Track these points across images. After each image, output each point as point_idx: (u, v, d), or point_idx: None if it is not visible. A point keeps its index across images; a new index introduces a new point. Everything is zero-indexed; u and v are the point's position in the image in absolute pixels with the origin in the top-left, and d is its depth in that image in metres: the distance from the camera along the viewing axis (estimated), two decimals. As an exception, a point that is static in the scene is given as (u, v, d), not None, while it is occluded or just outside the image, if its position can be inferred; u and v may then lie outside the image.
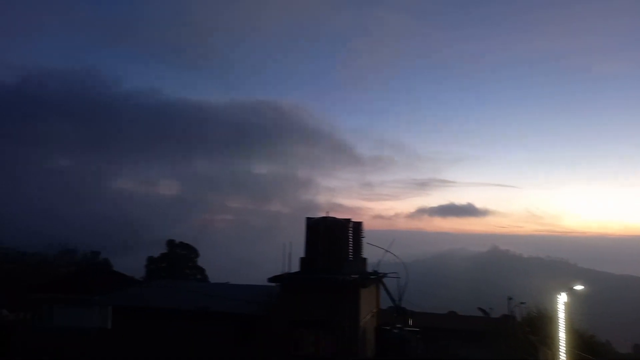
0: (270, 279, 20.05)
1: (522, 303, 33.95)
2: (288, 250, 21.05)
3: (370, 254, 23.39)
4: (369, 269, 22.97)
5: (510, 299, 30.56)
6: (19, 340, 22.72)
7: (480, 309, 38.87)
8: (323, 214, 21.81)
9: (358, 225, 22.34)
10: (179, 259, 62.89)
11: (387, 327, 21.28)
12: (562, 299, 24.95)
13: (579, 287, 27.55)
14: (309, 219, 21.40)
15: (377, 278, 22.63)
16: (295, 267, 20.98)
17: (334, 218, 21.51)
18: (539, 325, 32.34)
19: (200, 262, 65.30)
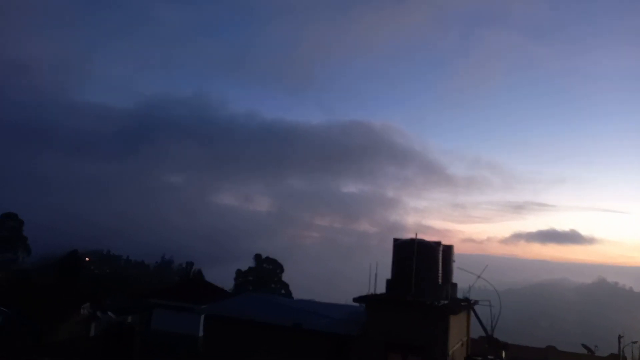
0: (356, 299, 19.92)
1: (634, 342, 30.44)
2: (374, 271, 20.82)
3: (461, 279, 22.38)
4: (459, 295, 21.96)
5: (620, 337, 27.47)
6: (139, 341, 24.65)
7: (585, 346, 35.39)
8: (411, 236, 21.34)
9: (448, 249, 21.54)
10: (265, 273, 64.97)
11: (479, 358, 20.10)
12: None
13: None
14: (396, 240, 21.03)
15: (468, 305, 21.55)
16: (381, 289, 20.67)
17: (422, 240, 20.92)
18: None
19: (285, 277, 66.86)
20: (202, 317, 25.82)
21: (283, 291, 62.68)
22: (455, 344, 19.86)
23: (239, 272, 63.99)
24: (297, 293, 60.42)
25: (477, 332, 23.73)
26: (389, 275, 20.78)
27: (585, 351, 35.28)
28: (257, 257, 64.88)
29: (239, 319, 22.57)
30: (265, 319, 22.50)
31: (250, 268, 64.69)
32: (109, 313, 40.80)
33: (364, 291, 20.41)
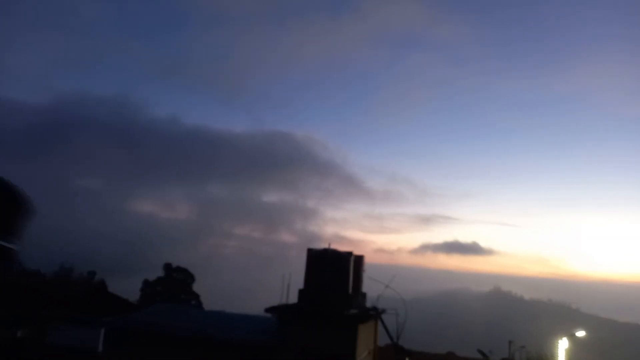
0: (268, 309, 19.89)
1: (522, 347, 33.34)
2: (287, 281, 20.94)
3: (371, 288, 23.23)
4: (368, 304, 22.75)
5: (510, 342, 30.02)
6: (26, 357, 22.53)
7: (480, 352, 38.11)
8: (325, 246, 21.80)
9: (359, 259, 22.27)
10: (175, 284, 62.43)
11: (384, 365, 20.91)
12: (563, 344, 24.51)
13: (580, 333, 27.18)
14: (310, 250, 21.37)
15: (376, 314, 22.38)
16: (295, 299, 20.83)
17: (335, 250, 21.47)
18: (539, 371, 31.71)
19: (196, 287, 64.74)
20: (102, 331, 24.18)
21: (194, 302, 60.57)
22: (363, 352, 20.52)
23: (146, 282, 60.82)
24: (211, 304, 58.76)
25: (384, 339, 24.69)
26: (300, 287, 21.01)
27: (480, 356, 37.95)
28: (167, 266, 62.12)
29: (145, 332, 21.51)
30: (173, 331, 21.67)
31: (159, 278, 61.77)
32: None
33: (279, 302, 20.45)
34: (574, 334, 26.62)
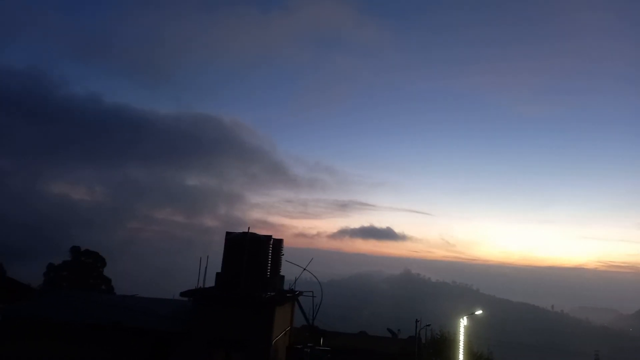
0: (183, 294, 19.49)
1: (427, 325, 35.66)
2: (205, 265, 20.60)
3: (289, 271, 23.55)
4: (286, 286, 23.08)
5: (417, 321, 32.00)
6: None
7: (389, 330, 40.25)
8: (244, 230, 21.67)
9: (278, 243, 22.44)
10: (84, 268, 58.86)
11: (299, 346, 21.42)
12: (463, 322, 26.63)
13: (479, 312, 29.68)
14: (228, 234, 21.16)
15: (293, 296, 22.78)
16: (212, 282, 20.59)
17: (253, 234, 21.43)
18: (441, 348, 34.19)
19: (108, 272, 61.58)
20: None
21: (104, 287, 57.50)
22: (279, 333, 20.85)
23: (50, 266, 56.61)
24: (124, 289, 56.09)
25: (300, 321, 25.24)
26: (218, 271, 20.79)
27: (390, 335, 40.07)
28: (74, 249, 58.21)
29: (47, 320, 20.12)
30: (78, 318, 20.50)
31: (65, 262, 57.76)
32: None
33: (195, 285, 20.07)
34: (473, 313, 29.03)
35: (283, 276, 23.18)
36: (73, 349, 19.14)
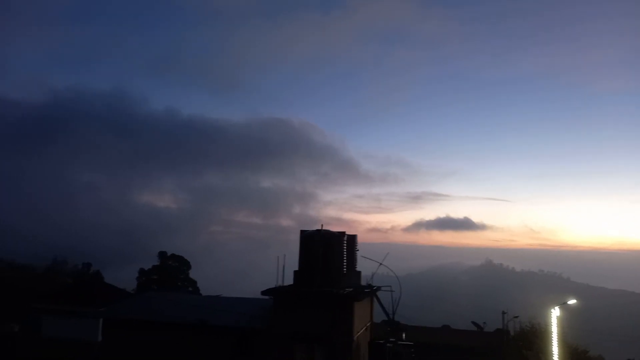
0: (264, 292, 19.95)
1: (515, 317, 33.89)
2: (282, 263, 20.97)
3: (365, 267, 23.35)
4: (363, 282, 22.90)
5: (504, 313, 30.50)
6: (20, 350, 22.53)
7: (474, 324, 38.77)
8: (318, 227, 21.77)
9: (352, 238, 22.32)
10: (171, 271, 62.43)
11: (381, 342, 21.17)
12: (555, 313, 24.91)
13: (572, 302, 27.67)
14: (303, 232, 21.37)
15: (371, 291, 22.56)
16: (290, 280, 20.91)
17: (327, 231, 21.47)
18: (532, 340, 32.34)
19: (193, 274, 64.84)
20: (98, 321, 24.19)
21: (190, 289, 60.71)
22: (360, 329, 20.73)
23: (141, 271, 60.76)
24: (208, 290, 58.91)
25: (379, 316, 24.95)
26: (294, 269, 21.07)
27: (475, 328, 38.60)
28: (162, 254, 62.04)
29: (141, 320, 21.54)
30: (168, 318, 21.71)
31: (154, 266, 61.71)
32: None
33: (274, 284, 20.49)
34: (566, 302, 27.11)
35: (360, 272, 23.02)
36: (163, 345, 20.31)
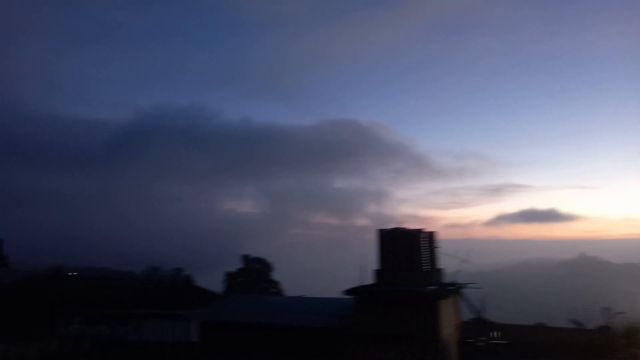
0: (346, 292, 20.03)
1: (620, 313, 31.18)
2: (362, 263, 20.98)
3: (447, 264, 22.66)
4: (446, 279, 22.24)
5: (607, 309, 28.12)
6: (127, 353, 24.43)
7: (574, 321, 36.16)
8: (396, 225, 21.52)
9: (432, 235, 21.77)
10: (254, 274, 64.71)
11: (471, 340, 20.41)
12: (667, 308, 22.54)
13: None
14: (380, 231, 21.21)
15: (456, 289, 21.85)
16: (370, 280, 20.83)
17: (405, 228, 21.14)
18: (641, 338, 29.49)
19: (275, 276, 66.70)
20: (194, 323, 25.60)
21: (274, 290, 62.54)
22: (447, 328, 20.13)
23: (228, 274, 63.59)
24: (289, 291, 60.40)
25: (467, 315, 24.07)
26: (373, 268, 20.95)
27: (574, 325, 36.03)
28: (245, 257, 64.54)
29: (231, 322, 22.53)
30: (256, 319, 22.49)
31: (239, 269, 64.33)
32: (97, 326, 40.06)
33: (355, 284, 20.54)
34: (679, 296, 24.40)
35: (442, 269, 22.40)
36: (253, 345, 21.07)
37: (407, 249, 20.26)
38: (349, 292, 20.00)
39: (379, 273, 20.61)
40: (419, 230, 21.02)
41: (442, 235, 22.79)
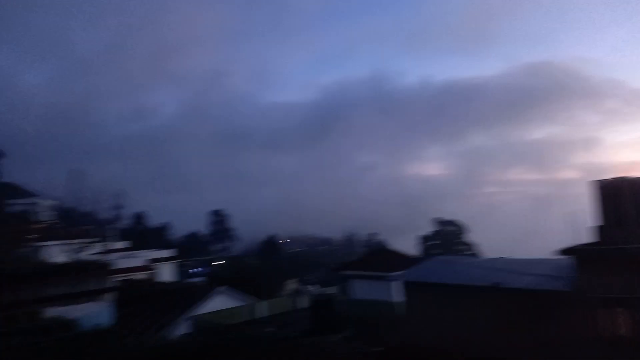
0: (562, 251, 18.22)
1: None
2: (573, 220, 18.79)
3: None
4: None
5: None
6: (338, 309, 27.09)
7: None
8: (617, 174, 18.58)
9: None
10: (448, 236, 63.99)
11: None
12: None
13: None
14: (600, 182, 18.56)
15: None
16: (586, 239, 18.53)
17: (632, 177, 18.08)
18: None
19: (470, 237, 64.83)
20: (394, 283, 26.70)
21: (469, 252, 61.02)
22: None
23: (422, 237, 64.39)
24: (487, 253, 58.12)
25: None
26: (590, 224, 18.53)
27: None
28: (438, 220, 64.25)
29: (433, 283, 22.74)
30: (460, 280, 22.22)
31: (432, 232, 64.49)
32: (311, 287, 45.14)
33: (564, 244, 18.57)
34: None
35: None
36: (457, 307, 20.91)
37: (636, 201, 17.33)
38: (566, 251, 18.16)
39: (601, 230, 18.16)
40: (649, 178, 17.76)
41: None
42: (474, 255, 58.12)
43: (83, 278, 22.30)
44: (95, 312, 21.04)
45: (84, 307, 21.40)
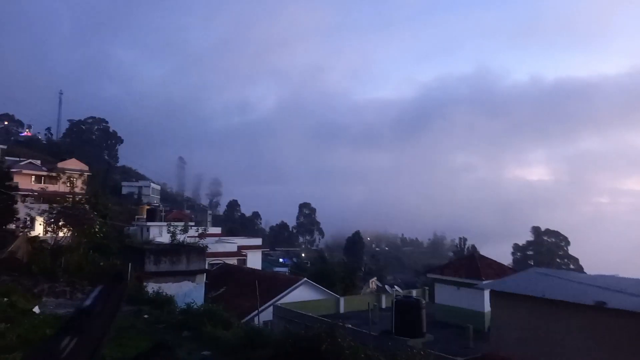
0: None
1: None
2: None
3: None
4: None
5: None
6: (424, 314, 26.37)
7: None
8: None
9: None
10: (547, 247, 59.64)
11: None
12: None
13: None
14: None
15: None
16: None
17: None
18: None
19: (573, 250, 59.92)
20: (486, 292, 25.35)
21: (572, 266, 56.28)
22: None
23: (516, 246, 60.57)
24: (593, 268, 53.11)
25: None
26: None
27: None
28: (536, 229, 59.86)
29: (528, 296, 21.22)
30: (558, 295, 20.51)
31: (528, 242, 60.40)
32: (395, 287, 44.44)
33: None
34: None
35: None
36: (553, 324, 19.29)
37: None
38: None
39: None
40: None
41: None
42: (575, 270, 53.54)
43: (182, 259, 24.05)
44: (190, 291, 22.54)
45: (181, 285, 23.04)
